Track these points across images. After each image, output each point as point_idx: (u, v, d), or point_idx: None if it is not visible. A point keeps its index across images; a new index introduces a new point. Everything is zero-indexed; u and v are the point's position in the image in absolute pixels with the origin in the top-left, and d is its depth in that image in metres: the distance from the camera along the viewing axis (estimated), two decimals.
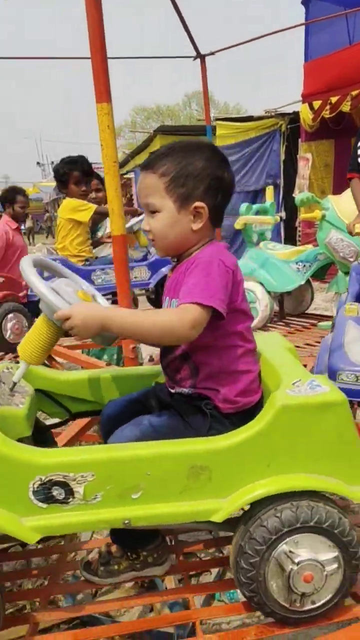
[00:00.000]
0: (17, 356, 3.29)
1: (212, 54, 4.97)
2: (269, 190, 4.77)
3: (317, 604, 1.22)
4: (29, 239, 21.90)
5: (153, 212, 1.33)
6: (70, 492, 1.17)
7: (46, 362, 3.89)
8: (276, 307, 4.47)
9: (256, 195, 9.00)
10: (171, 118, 39.33)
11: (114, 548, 1.43)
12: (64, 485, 1.17)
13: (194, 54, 4.90)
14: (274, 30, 4.72)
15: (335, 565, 1.20)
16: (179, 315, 1.23)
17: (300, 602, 1.20)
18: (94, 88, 2.31)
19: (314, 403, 1.19)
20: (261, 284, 4.12)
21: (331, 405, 1.19)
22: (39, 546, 1.64)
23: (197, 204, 1.31)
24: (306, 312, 4.52)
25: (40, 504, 1.17)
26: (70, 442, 2.18)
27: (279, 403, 1.19)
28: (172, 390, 1.42)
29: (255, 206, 4.47)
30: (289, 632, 1.25)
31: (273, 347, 1.53)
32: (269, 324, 4.26)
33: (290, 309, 4.53)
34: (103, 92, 2.31)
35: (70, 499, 1.18)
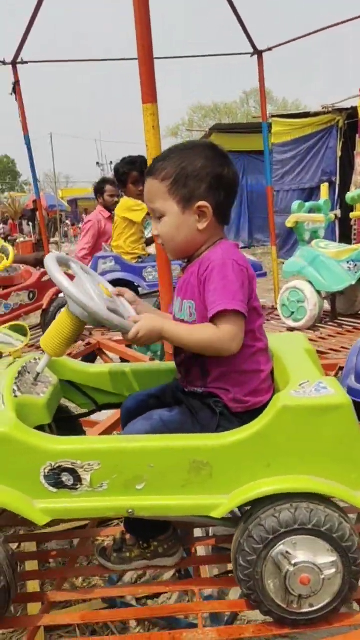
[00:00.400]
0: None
1: (270, 49, 4.90)
2: (324, 188, 4.68)
3: (316, 607, 1.22)
4: None
5: (159, 217, 1.37)
6: (78, 479, 1.24)
7: (97, 355, 4.04)
8: (328, 307, 4.38)
9: (311, 193, 8.85)
10: (228, 116, 39.02)
11: (128, 537, 1.48)
12: (73, 472, 1.24)
13: (251, 50, 4.85)
14: (334, 23, 4.58)
15: (333, 570, 1.20)
16: (218, 333, 1.28)
17: (297, 604, 1.21)
18: (141, 89, 2.37)
19: (316, 405, 1.19)
20: (310, 282, 4.06)
21: (334, 408, 1.19)
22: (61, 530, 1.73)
23: (201, 203, 1.33)
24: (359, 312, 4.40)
25: (50, 488, 1.25)
26: (106, 433, 2.26)
27: (280, 404, 1.20)
28: (185, 389, 1.46)
29: (308, 204, 4.40)
30: (287, 633, 1.26)
31: (291, 347, 1.53)
32: (318, 324, 4.19)
33: (343, 309, 4.41)
34: (149, 93, 2.37)
35: (79, 486, 1.25)
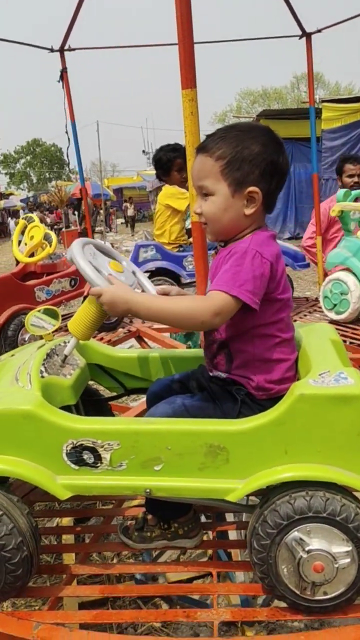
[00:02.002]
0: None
1: (319, 31, 4.77)
2: None
3: (330, 596, 1.22)
4: (132, 228, 21.79)
5: (206, 195, 1.36)
6: (98, 458, 1.29)
7: (136, 342, 4.11)
8: None
9: None
10: (278, 101, 38.08)
11: (150, 517, 1.52)
12: (93, 450, 1.28)
13: (299, 32, 4.74)
14: None
15: (348, 560, 1.19)
16: (203, 302, 1.28)
17: (311, 591, 1.22)
18: (180, 74, 2.37)
19: (333, 395, 1.18)
20: (354, 274, 3.97)
21: (351, 399, 1.18)
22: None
23: (252, 188, 1.32)
24: None
25: (72, 465, 1.30)
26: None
27: (297, 392, 1.20)
28: (210, 374, 1.47)
29: (355, 192, 4.28)
30: (301, 619, 1.27)
31: (317, 337, 1.52)
32: None
33: None
34: (188, 77, 2.36)
35: (99, 464, 1.29)
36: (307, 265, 5.13)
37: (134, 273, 1.62)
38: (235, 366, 1.39)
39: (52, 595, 1.30)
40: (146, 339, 3.94)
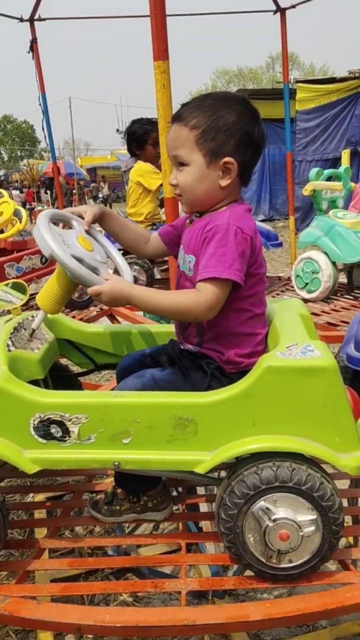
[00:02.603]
0: None
1: (294, 7, 4.75)
2: (345, 155, 4.57)
3: (294, 564, 1.25)
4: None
5: (181, 164, 1.33)
6: (66, 431, 1.28)
7: (108, 319, 4.08)
8: (344, 279, 4.32)
9: (335, 164, 8.60)
10: (253, 81, 37.96)
11: (119, 491, 1.53)
12: (61, 424, 1.27)
13: (273, 7, 4.70)
14: None
15: (312, 528, 1.22)
16: (197, 299, 1.28)
17: (276, 559, 1.24)
18: (152, 45, 2.32)
19: (300, 367, 1.20)
20: (325, 253, 4.00)
21: (317, 371, 1.19)
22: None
23: (227, 159, 1.31)
24: None
25: (40, 439, 1.29)
26: None
27: (265, 364, 1.21)
28: (182, 347, 1.47)
29: (327, 171, 4.30)
30: (267, 587, 1.29)
31: (286, 312, 1.53)
32: (333, 297, 4.14)
33: None
34: (160, 49, 2.32)
35: (67, 438, 1.28)
36: (280, 245, 5.14)
37: (107, 254, 1.57)
38: (206, 339, 1.39)
39: (21, 569, 1.30)
40: (118, 317, 3.92)
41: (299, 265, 4.20)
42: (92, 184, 23.63)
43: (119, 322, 3.92)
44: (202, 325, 1.39)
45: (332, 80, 9.29)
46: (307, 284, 4.13)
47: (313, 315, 3.74)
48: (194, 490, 1.73)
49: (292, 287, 4.38)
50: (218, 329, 1.38)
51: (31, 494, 1.99)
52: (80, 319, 3.85)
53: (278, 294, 4.63)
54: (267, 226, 5.25)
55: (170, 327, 1.74)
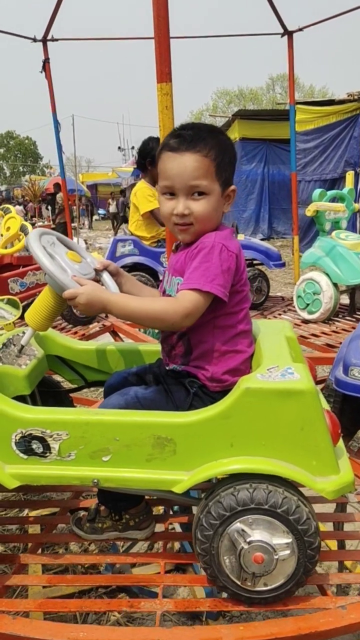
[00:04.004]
0: None
1: (301, 29, 4.82)
2: (349, 176, 4.60)
3: (269, 587, 1.25)
4: (113, 225, 20.99)
5: (200, 194, 1.34)
6: (47, 448, 1.30)
7: (111, 336, 4.11)
8: (346, 300, 4.33)
9: (333, 184, 8.71)
10: (253, 102, 38.47)
11: (102, 508, 1.54)
12: (42, 440, 1.29)
13: (280, 31, 4.78)
14: None
15: (287, 552, 1.22)
16: (174, 305, 1.31)
17: (251, 582, 1.24)
18: (156, 67, 2.37)
19: (277, 389, 1.21)
20: (327, 274, 4.02)
21: (295, 393, 1.21)
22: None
23: (232, 187, 1.39)
24: None
25: (21, 454, 1.31)
26: None
27: (243, 386, 1.22)
28: (167, 367, 1.49)
29: (330, 192, 4.34)
30: (242, 610, 1.29)
31: (272, 333, 1.55)
32: (334, 318, 4.15)
33: None
34: (163, 71, 2.37)
35: (48, 454, 1.30)
36: (283, 265, 5.17)
37: (96, 270, 1.60)
38: (192, 358, 1.41)
39: None
40: (120, 334, 3.95)
41: (300, 286, 4.21)
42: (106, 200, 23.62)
43: (121, 339, 3.95)
44: (190, 343, 1.41)
45: (331, 102, 9.38)
46: (308, 304, 4.15)
47: (312, 336, 3.75)
48: (181, 509, 1.73)
49: (294, 307, 4.40)
50: (205, 345, 1.39)
51: (16, 509, 2.00)
52: (82, 335, 3.89)
53: (280, 314, 4.64)
54: (269, 245, 5.28)
55: (157, 347, 1.76)
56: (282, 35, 4.89)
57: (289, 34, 4.87)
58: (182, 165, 1.33)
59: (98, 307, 1.36)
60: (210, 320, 1.38)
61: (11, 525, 1.96)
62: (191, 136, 1.34)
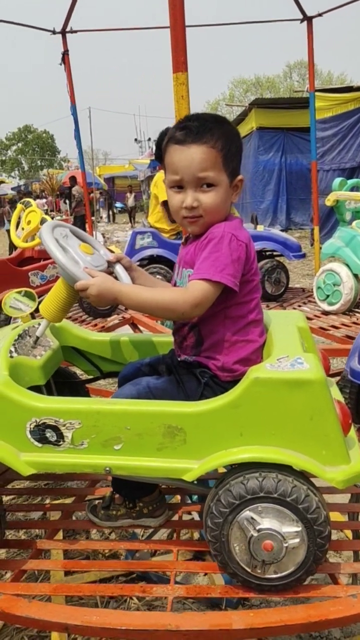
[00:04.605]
0: None
1: (320, 15, 4.74)
2: None
3: (280, 575, 1.26)
4: (130, 219, 21.14)
5: (209, 185, 1.34)
6: (61, 436, 1.32)
7: (130, 329, 4.15)
8: None
9: (352, 173, 8.54)
10: (270, 90, 37.94)
11: (117, 496, 1.56)
12: (55, 429, 1.32)
13: (299, 17, 4.71)
14: None
15: (297, 540, 1.23)
16: (184, 295, 1.32)
17: (261, 569, 1.25)
18: (172, 57, 2.37)
19: (286, 379, 1.21)
20: (347, 265, 3.98)
21: (304, 383, 1.21)
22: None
23: (240, 177, 1.39)
24: None
25: (36, 443, 1.34)
26: None
27: (252, 376, 1.23)
28: (179, 358, 1.50)
29: (351, 181, 4.28)
30: (253, 597, 1.30)
31: (283, 324, 1.54)
32: (355, 310, 4.11)
33: None
34: (179, 61, 2.37)
35: (61, 442, 1.33)
36: (304, 256, 5.13)
37: (109, 262, 1.62)
38: (203, 349, 1.42)
39: (16, 568, 1.35)
40: (140, 326, 3.98)
41: (320, 277, 4.18)
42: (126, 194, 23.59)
43: (141, 331, 3.98)
44: (201, 334, 1.42)
45: (349, 89, 9.19)
46: (328, 296, 4.11)
47: (332, 327, 3.73)
48: (204, 499, 1.75)
49: (314, 299, 4.37)
50: (216, 336, 1.40)
51: (39, 498, 2.05)
52: (102, 327, 3.93)
53: (299, 306, 4.62)
54: (288, 236, 5.23)
55: (170, 337, 1.77)
56: (302, 21, 4.81)
57: (308, 19, 4.80)
58: (189, 157, 1.32)
59: (109, 298, 1.38)
60: (221, 310, 1.38)
61: (33, 514, 2.02)
62: (197, 127, 1.33)
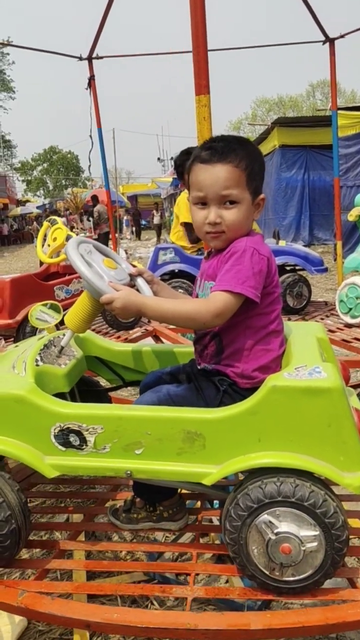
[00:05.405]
0: None
1: (342, 36, 4.81)
2: None
3: (298, 577, 1.28)
4: (158, 236, 21.28)
5: (232, 203, 1.41)
6: (84, 440, 1.38)
7: (153, 341, 4.21)
8: None
9: None
10: (293, 109, 38.09)
11: (137, 500, 1.61)
12: (79, 433, 1.38)
13: (318, 38, 4.79)
14: None
15: (315, 544, 1.25)
16: (206, 306, 1.37)
17: (279, 572, 1.28)
18: (194, 80, 2.45)
19: (304, 387, 1.25)
20: None
21: (321, 391, 1.24)
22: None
23: (262, 196, 1.45)
24: None
25: (60, 447, 1.39)
26: None
27: (270, 384, 1.27)
28: (199, 367, 1.55)
29: None
30: (272, 599, 1.33)
31: (304, 334, 1.58)
32: None
33: None
34: (201, 84, 2.45)
35: (84, 446, 1.38)
36: (326, 270, 5.14)
37: (131, 276, 1.68)
38: (224, 357, 1.46)
39: (40, 567, 1.40)
40: (162, 338, 4.04)
41: (343, 290, 4.19)
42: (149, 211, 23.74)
43: (163, 343, 4.04)
44: (222, 343, 1.46)
45: None
46: (350, 309, 4.12)
47: (355, 340, 3.72)
48: (212, 503, 1.78)
49: (336, 312, 4.37)
50: (235, 345, 1.44)
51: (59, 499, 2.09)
52: (125, 339, 4.01)
53: (322, 318, 4.62)
54: (310, 250, 5.26)
55: (191, 348, 1.82)
56: (324, 42, 4.89)
57: (330, 41, 4.87)
58: (214, 176, 1.40)
59: (133, 310, 1.44)
60: (242, 320, 1.43)
61: (56, 517, 2.07)
62: (222, 148, 1.40)
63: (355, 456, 1.28)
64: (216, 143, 1.43)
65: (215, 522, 1.69)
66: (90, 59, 5.45)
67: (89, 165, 5.75)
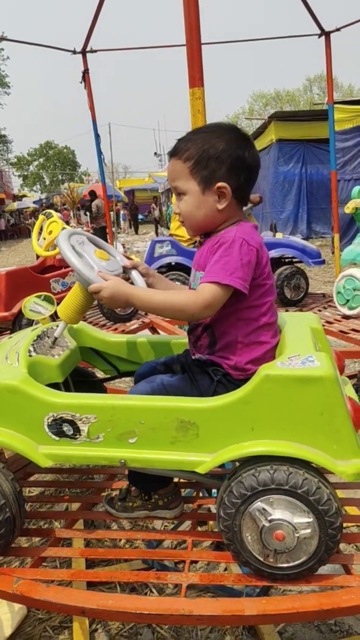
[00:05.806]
0: None
1: (338, 30, 4.79)
2: None
3: (292, 564, 1.29)
4: (156, 230, 21.28)
5: (180, 194, 1.45)
6: (77, 430, 1.38)
7: (150, 333, 4.22)
8: None
9: None
10: (290, 104, 38.00)
11: (133, 489, 1.61)
12: (72, 423, 1.38)
13: (317, 32, 4.77)
14: None
15: (308, 530, 1.26)
16: (194, 297, 1.37)
17: (273, 558, 1.29)
18: (188, 73, 2.44)
19: (296, 376, 1.25)
20: None
21: (314, 380, 1.24)
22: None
23: (220, 184, 1.40)
24: None
25: (53, 436, 1.40)
26: None
27: (263, 373, 1.27)
28: (193, 357, 1.55)
29: None
30: (266, 585, 1.33)
31: (298, 325, 1.58)
32: None
33: None
34: (195, 76, 2.43)
35: (78, 436, 1.38)
36: (323, 262, 5.14)
37: (125, 268, 1.67)
38: (217, 348, 1.46)
39: (36, 555, 1.41)
40: (159, 330, 4.04)
41: (340, 282, 4.19)
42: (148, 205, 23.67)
43: (158, 333, 4.04)
44: (214, 334, 1.46)
45: None
46: (348, 300, 4.12)
47: (352, 331, 3.73)
48: (208, 491, 1.79)
49: (334, 304, 4.38)
50: (229, 337, 1.44)
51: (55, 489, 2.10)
52: (122, 331, 4.01)
53: (320, 310, 4.63)
54: (307, 243, 5.25)
55: (185, 338, 1.82)
56: (319, 36, 4.87)
57: (326, 34, 4.85)
58: (169, 170, 1.48)
59: (122, 300, 1.44)
60: (233, 312, 1.42)
61: (54, 507, 2.08)
62: (178, 143, 1.45)
63: (348, 444, 1.28)
64: (183, 137, 1.46)
65: (213, 510, 1.70)
66: (84, 52, 5.42)
67: (103, 158, 5.69)
